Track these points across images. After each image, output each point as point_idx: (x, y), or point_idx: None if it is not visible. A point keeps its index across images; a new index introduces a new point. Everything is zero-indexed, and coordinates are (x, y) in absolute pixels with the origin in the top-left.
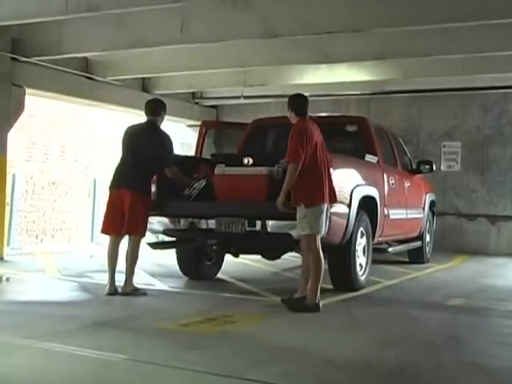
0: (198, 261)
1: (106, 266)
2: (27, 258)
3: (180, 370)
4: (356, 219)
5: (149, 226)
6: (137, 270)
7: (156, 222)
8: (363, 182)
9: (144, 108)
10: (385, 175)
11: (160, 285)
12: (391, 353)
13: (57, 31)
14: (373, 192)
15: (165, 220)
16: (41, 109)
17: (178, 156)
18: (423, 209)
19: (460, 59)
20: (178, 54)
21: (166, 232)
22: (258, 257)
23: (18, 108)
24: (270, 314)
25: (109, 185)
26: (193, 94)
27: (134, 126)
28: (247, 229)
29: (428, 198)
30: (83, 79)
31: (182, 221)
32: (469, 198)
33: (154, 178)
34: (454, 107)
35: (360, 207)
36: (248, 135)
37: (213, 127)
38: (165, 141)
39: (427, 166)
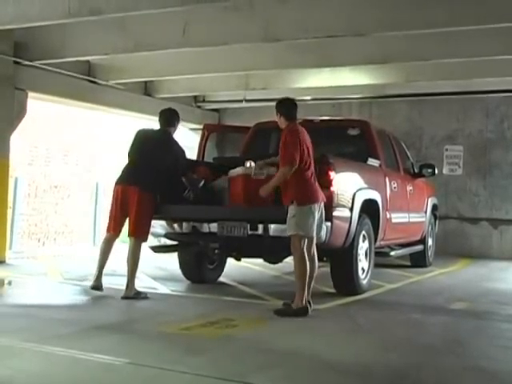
0: (199, 264)
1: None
2: (29, 262)
3: (181, 374)
4: (358, 223)
5: (151, 229)
6: (139, 273)
7: (158, 226)
8: (365, 186)
9: (158, 116)
10: (387, 179)
11: (162, 288)
12: (393, 356)
13: (59, 35)
14: (375, 196)
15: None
16: (43, 112)
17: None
18: (425, 212)
19: (462, 63)
20: (181, 58)
21: (167, 235)
22: (260, 260)
23: (21, 111)
24: (272, 317)
25: (115, 181)
26: (195, 97)
27: (147, 131)
28: (249, 232)
29: (430, 201)
30: (86, 83)
31: (184, 224)
32: (471, 202)
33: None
34: (455, 111)
35: (362, 211)
36: (250, 139)
37: (215, 131)
38: (179, 151)
39: (429, 170)
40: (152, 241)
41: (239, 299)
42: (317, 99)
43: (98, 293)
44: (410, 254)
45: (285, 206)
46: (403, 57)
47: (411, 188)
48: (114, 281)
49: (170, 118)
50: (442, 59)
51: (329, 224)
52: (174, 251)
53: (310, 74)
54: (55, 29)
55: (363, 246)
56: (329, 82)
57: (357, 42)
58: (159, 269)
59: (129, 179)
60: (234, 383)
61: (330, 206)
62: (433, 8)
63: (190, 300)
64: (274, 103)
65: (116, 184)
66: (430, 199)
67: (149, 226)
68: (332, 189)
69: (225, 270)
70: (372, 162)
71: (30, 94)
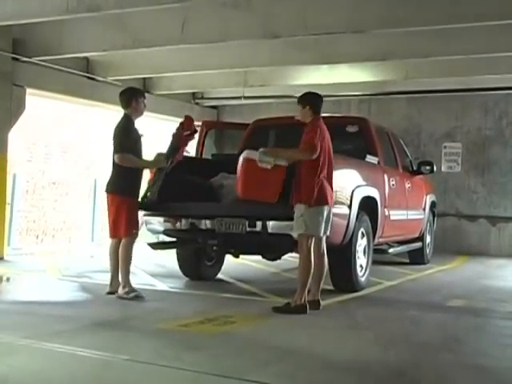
0: (198, 261)
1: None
2: (27, 258)
3: (180, 371)
4: (356, 220)
5: (149, 226)
6: (137, 270)
7: (156, 223)
8: (364, 183)
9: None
10: (385, 176)
11: (160, 285)
12: (391, 354)
13: (58, 31)
14: (373, 193)
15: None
16: (41, 109)
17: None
18: (424, 210)
19: (460, 60)
20: (179, 55)
21: (166, 232)
22: (259, 257)
23: (19, 108)
24: (270, 314)
25: None
26: (193, 94)
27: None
28: (248, 229)
29: (429, 198)
30: (84, 79)
31: (183, 221)
32: (469, 199)
33: (151, 176)
34: (454, 108)
35: (360, 208)
36: (248, 136)
37: (213, 127)
38: (114, 130)
39: (428, 167)
40: (151, 237)
41: (238, 296)
42: None
43: (95, 289)
44: (409, 251)
45: (285, 204)
46: (402, 54)
47: (410, 185)
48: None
49: (124, 99)
50: (441, 56)
51: None
52: (172, 248)
53: (308, 71)
54: (54, 25)
55: (362, 243)
56: (328, 78)
57: (356, 39)
58: (158, 266)
59: (105, 187)
60: (232, 380)
61: None
62: (432, 5)
63: (188, 297)
64: (272, 100)
65: None
66: (428, 196)
67: (129, 222)
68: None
69: (223, 267)
70: (370, 159)
71: (29, 91)
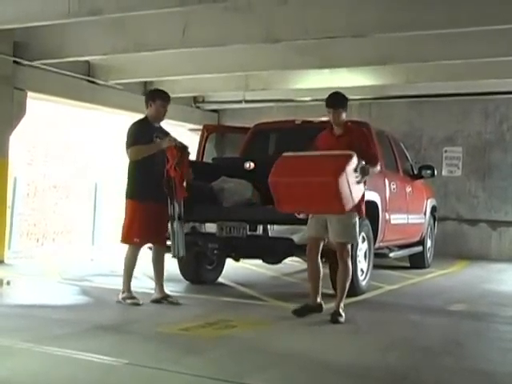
0: (198, 265)
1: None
2: (28, 262)
3: (180, 375)
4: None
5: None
6: (137, 273)
7: None
8: (365, 187)
9: None
10: (386, 180)
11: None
12: (392, 358)
13: (59, 35)
14: (374, 197)
15: None
16: (42, 112)
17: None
18: (424, 214)
19: (461, 64)
20: (180, 58)
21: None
22: (259, 261)
23: (20, 111)
24: (270, 318)
25: None
26: (194, 98)
27: None
28: (248, 233)
29: (429, 203)
30: (85, 83)
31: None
32: (470, 204)
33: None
34: (455, 112)
35: None
36: (249, 139)
37: (214, 131)
38: (126, 137)
39: (428, 171)
40: None
41: (238, 300)
42: (316, 100)
43: (95, 293)
44: (409, 255)
45: None
46: (403, 58)
47: (410, 189)
48: (111, 281)
49: (144, 100)
50: (442, 61)
51: None
52: None
53: (309, 75)
54: (55, 29)
55: (362, 248)
56: (328, 82)
57: (356, 43)
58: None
59: None
60: None
61: None
62: (432, 9)
63: (188, 300)
64: (273, 104)
65: None
66: (429, 200)
67: (128, 228)
68: None
69: (224, 270)
70: None
71: (30, 94)
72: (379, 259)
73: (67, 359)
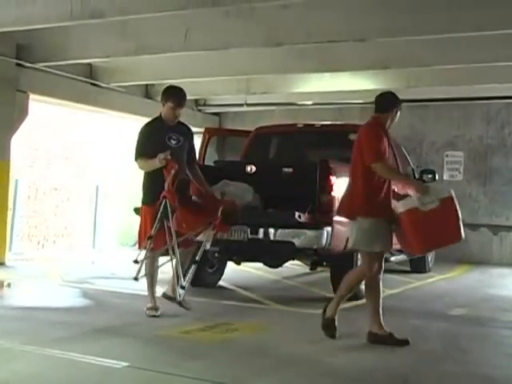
0: (199, 268)
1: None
2: (28, 264)
3: (180, 378)
4: None
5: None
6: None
7: None
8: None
9: None
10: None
11: (161, 291)
12: (393, 362)
13: (61, 37)
14: None
15: None
16: (44, 114)
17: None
18: None
19: (462, 69)
20: (182, 62)
21: None
22: (260, 264)
23: (22, 114)
24: (271, 322)
25: None
26: (196, 101)
27: None
28: (249, 236)
29: None
30: (87, 85)
31: None
32: (471, 208)
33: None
34: (456, 117)
35: None
36: (251, 143)
37: (216, 135)
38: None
39: (430, 176)
40: None
41: (239, 303)
42: (318, 104)
43: (96, 295)
44: (410, 259)
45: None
46: (404, 62)
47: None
48: (112, 284)
49: (161, 97)
50: (443, 65)
51: (329, 229)
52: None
53: (310, 79)
54: (57, 31)
55: None
56: (330, 86)
57: (358, 48)
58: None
59: None
60: None
61: (330, 211)
62: (433, 14)
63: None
64: (274, 107)
65: None
66: None
67: (140, 233)
68: (332, 194)
69: (224, 273)
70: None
71: (32, 96)
72: None
73: (67, 361)
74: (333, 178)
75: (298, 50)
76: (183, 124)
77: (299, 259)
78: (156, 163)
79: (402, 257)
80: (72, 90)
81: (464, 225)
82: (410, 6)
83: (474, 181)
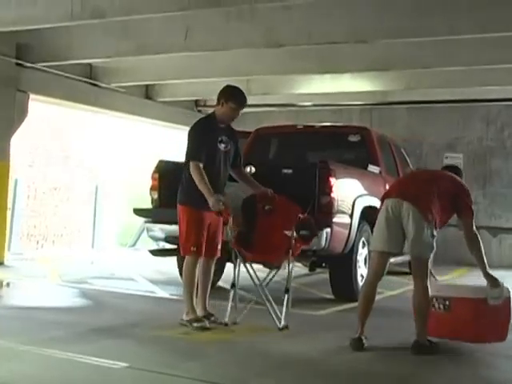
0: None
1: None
2: (28, 264)
3: (179, 379)
4: (358, 229)
5: (150, 233)
6: (137, 277)
7: (158, 229)
8: (365, 193)
9: None
10: (387, 186)
11: (160, 292)
12: (392, 364)
13: (62, 37)
14: (375, 202)
15: (166, 227)
16: (44, 114)
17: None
18: None
19: (462, 71)
20: (182, 62)
21: (167, 239)
22: (259, 266)
23: (22, 113)
24: (270, 323)
25: None
26: (196, 101)
27: None
28: None
29: None
30: (87, 85)
31: None
32: None
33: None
34: (456, 119)
35: (362, 217)
36: (251, 144)
37: None
38: (188, 132)
39: None
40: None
41: (238, 304)
42: (318, 105)
43: (95, 295)
44: (409, 261)
45: None
46: (404, 64)
47: None
48: (111, 284)
49: (217, 96)
50: (443, 67)
51: (328, 230)
52: (173, 255)
53: (311, 80)
54: (58, 31)
55: (363, 253)
56: (330, 88)
57: (358, 49)
58: (158, 272)
59: None
60: None
61: (329, 213)
62: (434, 16)
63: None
64: (275, 108)
65: None
66: None
67: (185, 237)
68: (332, 195)
69: (223, 274)
70: (372, 168)
71: (32, 96)
72: None
73: (66, 362)
74: (332, 180)
75: (298, 51)
76: (231, 127)
77: (298, 260)
78: (210, 200)
79: (401, 258)
80: (72, 90)
81: None
82: (410, 8)
83: (473, 183)
